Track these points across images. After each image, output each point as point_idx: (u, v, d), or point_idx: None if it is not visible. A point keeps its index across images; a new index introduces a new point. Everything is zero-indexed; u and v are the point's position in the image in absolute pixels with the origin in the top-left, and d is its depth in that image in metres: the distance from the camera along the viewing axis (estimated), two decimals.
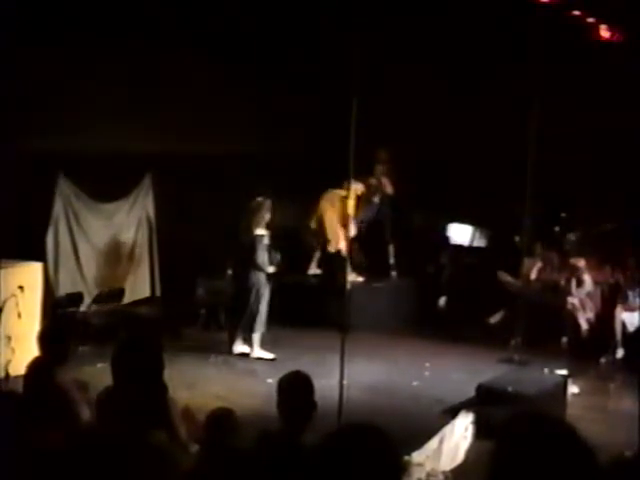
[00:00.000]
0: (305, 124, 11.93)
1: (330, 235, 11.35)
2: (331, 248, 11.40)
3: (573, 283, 10.42)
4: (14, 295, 7.89)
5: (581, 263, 10.43)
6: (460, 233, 12.43)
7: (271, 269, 9.73)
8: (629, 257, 10.41)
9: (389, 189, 11.85)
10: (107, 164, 9.72)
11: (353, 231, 10.55)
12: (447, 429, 6.98)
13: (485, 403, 7.45)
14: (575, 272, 10.44)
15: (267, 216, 9.70)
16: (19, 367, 6.35)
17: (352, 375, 7.93)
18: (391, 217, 12.07)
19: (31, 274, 8.45)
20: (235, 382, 8.71)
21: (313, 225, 11.59)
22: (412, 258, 12.10)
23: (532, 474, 2.04)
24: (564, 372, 8.68)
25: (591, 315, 10.36)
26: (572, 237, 11.32)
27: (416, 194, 12.08)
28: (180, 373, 8.18)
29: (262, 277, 9.64)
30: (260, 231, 9.64)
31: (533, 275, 10.86)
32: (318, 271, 11.69)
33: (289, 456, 3.81)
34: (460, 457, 6.92)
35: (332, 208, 11.33)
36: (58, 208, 9.97)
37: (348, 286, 8.55)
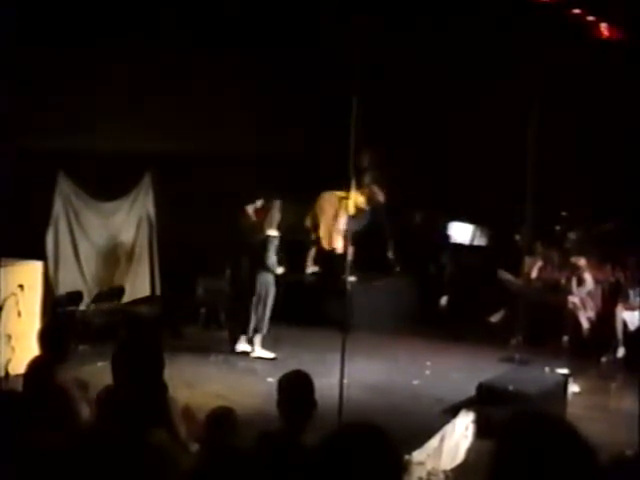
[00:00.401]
0: (305, 124, 11.92)
1: (324, 233, 11.33)
2: (325, 245, 11.39)
3: (574, 282, 10.41)
4: (14, 294, 7.88)
5: (582, 262, 10.42)
6: (461, 232, 12.43)
7: (279, 270, 9.76)
8: (630, 256, 10.40)
9: (380, 197, 11.63)
10: (107, 163, 9.73)
11: (343, 224, 10.51)
12: (448, 428, 6.97)
13: (486, 402, 7.44)
14: (576, 271, 10.43)
15: (278, 216, 9.73)
16: (19, 366, 6.34)
17: (352, 374, 7.93)
18: (387, 222, 11.94)
19: (31, 273, 8.44)
20: (235, 381, 8.71)
21: (307, 223, 11.58)
22: (413, 257, 12.09)
23: (533, 473, 2.03)
24: (565, 371, 8.68)
25: (592, 314, 10.35)
26: (573, 236, 11.31)
27: (416, 194, 12.07)
28: (180, 372, 8.17)
29: (270, 278, 9.65)
30: (272, 232, 9.66)
31: (534, 274, 10.86)
32: (316, 269, 11.69)
33: (289, 456, 3.80)
34: (461, 456, 6.92)
35: (329, 208, 11.30)
36: (58, 207, 9.97)
37: (347, 285, 8.54)
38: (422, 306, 11.61)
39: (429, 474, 6.42)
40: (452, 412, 7.46)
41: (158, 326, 9.87)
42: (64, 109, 9.17)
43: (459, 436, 7.04)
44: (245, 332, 9.69)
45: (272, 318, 9.87)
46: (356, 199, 10.67)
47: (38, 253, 9.28)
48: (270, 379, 7.76)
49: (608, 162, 10.77)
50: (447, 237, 12.44)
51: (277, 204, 9.75)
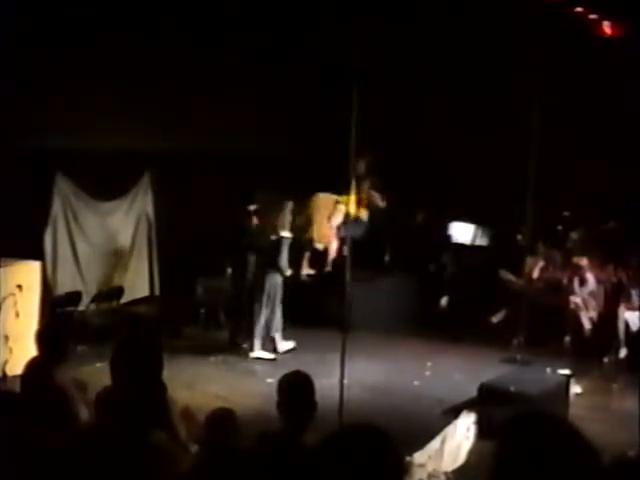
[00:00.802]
0: (305, 124, 11.90)
1: (317, 235, 11.28)
2: (319, 247, 11.35)
3: (576, 282, 10.39)
4: (12, 294, 7.87)
5: (584, 262, 10.40)
6: (462, 232, 12.41)
7: (289, 271, 9.77)
8: (632, 256, 10.37)
9: (380, 203, 11.56)
10: (106, 163, 9.71)
11: (337, 226, 10.48)
12: (449, 429, 6.95)
13: (487, 403, 7.42)
14: (578, 271, 10.41)
15: (289, 218, 9.75)
16: (17, 367, 6.32)
17: (353, 375, 7.91)
18: (387, 227, 11.89)
19: (29, 273, 8.42)
20: (235, 382, 8.69)
21: (300, 224, 11.52)
22: (413, 257, 12.07)
23: (535, 474, 2.01)
24: (567, 372, 8.65)
25: (594, 314, 10.32)
26: (575, 236, 11.29)
27: (417, 194, 12.05)
28: (180, 373, 8.15)
29: (279, 279, 9.64)
30: (285, 233, 9.66)
31: (535, 274, 10.83)
32: (311, 271, 11.65)
33: (289, 456, 3.77)
34: (462, 457, 6.89)
35: (324, 210, 11.26)
36: (57, 207, 9.96)
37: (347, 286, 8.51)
38: (423, 306, 11.58)
39: (430, 476, 6.39)
40: (453, 413, 7.44)
41: (157, 326, 9.84)
42: (63, 109, 9.16)
43: (460, 437, 7.01)
44: (258, 334, 9.64)
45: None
46: (355, 204, 10.61)
47: (36, 253, 9.25)
48: (270, 380, 7.73)
49: (610, 161, 10.75)
50: (448, 237, 12.42)
51: (289, 205, 9.79)
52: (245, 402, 7.41)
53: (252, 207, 10.17)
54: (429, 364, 9.51)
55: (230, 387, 8.39)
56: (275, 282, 9.64)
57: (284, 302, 9.92)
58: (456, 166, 11.93)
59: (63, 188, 9.98)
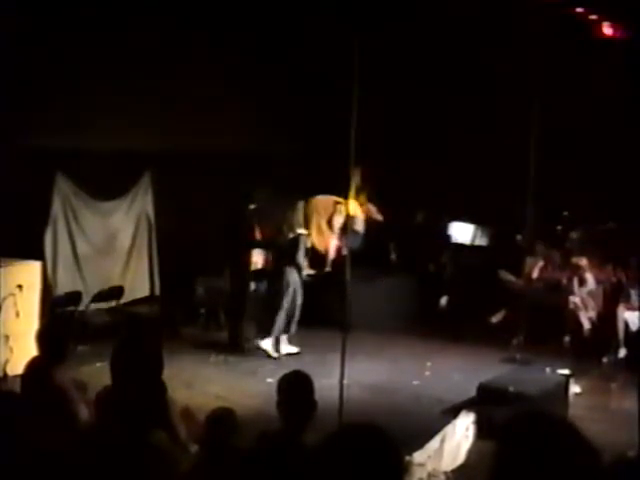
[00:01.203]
0: (305, 124, 11.90)
1: (316, 236, 11.25)
2: (319, 248, 11.34)
3: (575, 282, 10.38)
4: (12, 294, 7.87)
5: (583, 262, 10.39)
6: (462, 232, 12.41)
7: (307, 269, 9.82)
8: (631, 256, 10.37)
9: (378, 216, 11.51)
10: (106, 162, 9.71)
11: (338, 228, 10.50)
12: (448, 429, 6.94)
13: (486, 403, 7.42)
14: (577, 271, 10.40)
15: (302, 216, 9.82)
16: (17, 366, 6.33)
17: (353, 374, 7.91)
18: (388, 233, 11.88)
19: (29, 273, 8.42)
20: (235, 382, 8.69)
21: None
22: (413, 257, 12.07)
23: (535, 474, 2.02)
24: (566, 372, 8.65)
25: (593, 314, 10.32)
26: (574, 236, 11.29)
27: (417, 194, 12.04)
28: (180, 373, 8.17)
29: (297, 276, 9.65)
30: (301, 230, 9.70)
31: (535, 274, 10.82)
32: (311, 271, 11.63)
33: (289, 456, 3.78)
34: (461, 457, 6.89)
35: (324, 212, 11.23)
36: (57, 207, 9.95)
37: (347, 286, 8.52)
38: (422, 306, 11.58)
39: (430, 475, 6.39)
40: (453, 413, 7.43)
41: (157, 326, 9.84)
42: (63, 109, 9.15)
43: (460, 437, 7.01)
44: (269, 332, 9.63)
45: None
46: (354, 211, 10.57)
47: (36, 253, 9.25)
48: (270, 380, 7.73)
49: (609, 161, 10.75)
50: (448, 237, 12.42)
51: (301, 204, 9.85)
52: (245, 402, 7.41)
53: (252, 206, 10.18)
54: (429, 364, 9.51)
55: (230, 387, 8.38)
56: (295, 279, 9.66)
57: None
58: (456, 166, 11.93)
59: (63, 188, 9.97)
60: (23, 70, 8.64)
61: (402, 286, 11.80)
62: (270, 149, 11.45)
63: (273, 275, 9.88)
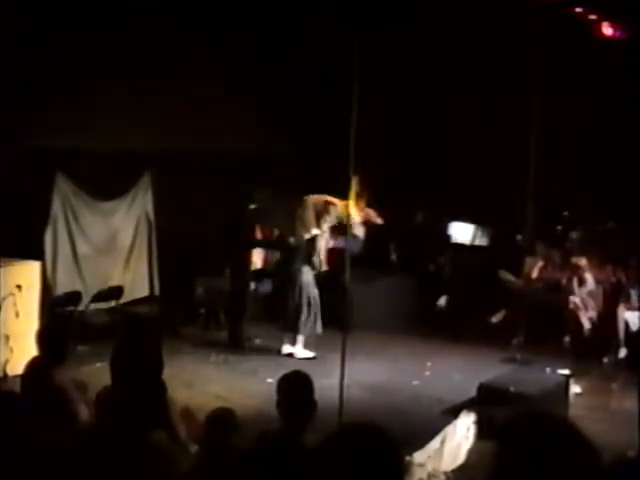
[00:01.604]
0: (305, 124, 11.90)
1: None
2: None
3: (575, 282, 10.38)
4: (12, 294, 7.87)
5: (583, 262, 10.39)
6: (461, 232, 12.40)
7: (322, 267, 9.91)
8: (631, 256, 10.37)
9: (377, 220, 11.50)
10: (106, 162, 9.70)
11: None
12: (449, 429, 6.94)
13: (487, 403, 7.41)
14: (577, 271, 10.40)
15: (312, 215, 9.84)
16: (17, 367, 6.32)
17: (353, 374, 7.90)
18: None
19: (29, 273, 8.41)
20: (235, 382, 8.68)
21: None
22: (413, 257, 12.07)
23: (535, 474, 2.01)
24: (566, 372, 8.64)
25: (593, 314, 10.32)
26: (574, 236, 11.29)
27: (417, 194, 12.04)
28: (180, 373, 8.17)
29: (312, 276, 9.63)
30: (315, 230, 9.69)
31: (535, 274, 10.82)
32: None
33: (289, 456, 3.78)
34: (462, 457, 6.88)
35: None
36: (57, 207, 9.94)
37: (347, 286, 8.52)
38: (422, 306, 11.58)
39: (430, 475, 6.39)
40: (453, 413, 7.42)
41: (157, 326, 9.83)
42: (63, 109, 9.15)
43: (460, 437, 7.01)
44: (296, 332, 9.62)
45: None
46: (354, 215, 10.51)
47: (36, 253, 9.25)
48: (270, 380, 7.73)
49: (610, 161, 10.74)
50: (448, 237, 12.41)
51: (311, 202, 9.86)
52: (245, 402, 7.41)
53: (252, 206, 10.18)
54: (429, 364, 9.51)
55: (230, 387, 8.38)
56: (310, 279, 9.67)
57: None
58: (456, 166, 11.92)
59: (63, 188, 9.97)
60: (23, 70, 8.63)
61: (402, 286, 11.80)
62: (270, 149, 11.45)
63: (287, 276, 9.78)
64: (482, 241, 12.37)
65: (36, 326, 7.25)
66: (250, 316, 10.25)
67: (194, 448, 4.43)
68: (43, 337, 5.07)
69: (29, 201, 9.25)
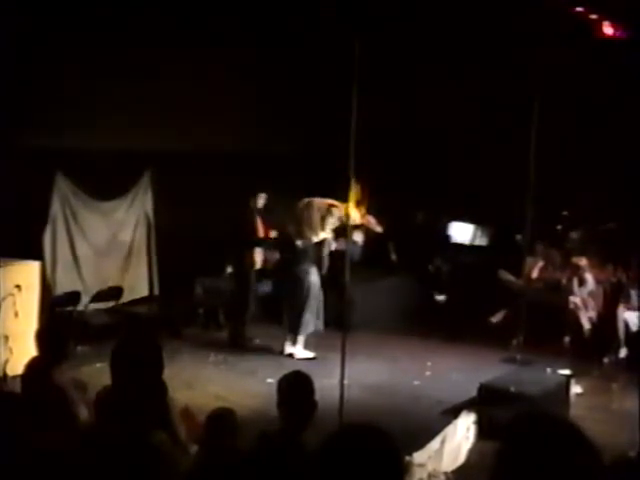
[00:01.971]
0: (305, 124, 11.89)
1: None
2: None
3: (575, 282, 10.38)
4: (11, 294, 7.86)
5: (583, 262, 10.39)
6: (461, 232, 12.40)
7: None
8: (631, 256, 10.37)
9: (378, 228, 11.49)
10: (106, 162, 9.70)
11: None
12: (449, 429, 6.94)
13: (487, 403, 7.41)
14: (577, 271, 10.40)
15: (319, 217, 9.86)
16: (17, 367, 6.32)
17: (353, 374, 7.90)
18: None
19: (29, 273, 8.40)
20: (235, 382, 8.68)
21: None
22: (413, 257, 12.07)
23: (536, 474, 2.01)
24: (567, 372, 8.64)
25: (593, 314, 10.32)
26: (574, 236, 11.29)
27: (416, 194, 12.04)
28: (179, 373, 8.16)
29: (318, 277, 9.68)
30: (324, 234, 9.78)
31: (535, 274, 10.83)
32: None
33: (289, 457, 3.77)
34: (462, 457, 6.88)
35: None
36: (56, 206, 9.94)
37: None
38: (422, 306, 11.58)
39: (430, 475, 6.38)
40: (453, 413, 7.42)
41: (157, 326, 9.83)
42: (63, 109, 9.15)
43: (460, 437, 7.01)
44: (297, 333, 9.61)
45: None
46: (354, 217, 10.51)
47: (36, 253, 9.24)
48: (270, 380, 7.73)
49: (610, 161, 10.74)
50: (448, 237, 12.41)
51: (316, 204, 9.88)
52: (245, 402, 7.41)
53: (255, 206, 10.17)
54: (429, 364, 9.51)
55: (230, 387, 8.38)
56: (316, 280, 9.66)
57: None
58: (456, 166, 11.92)
59: (63, 188, 9.97)
60: (23, 70, 8.63)
61: (402, 286, 11.80)
62: (270, 149, 11.44)
63: (292, 277, 9.76)
64: (482, 241, 12.37)
65: (35, 326, 7.25)
66: (250, 316, 10.24)
67: (194, 448, 4.43)
68: (43, 337, 5.06)
69: (29, 201, 9.25)
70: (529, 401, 7.19)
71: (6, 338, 7.79)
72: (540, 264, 10.94)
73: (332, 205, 10.63)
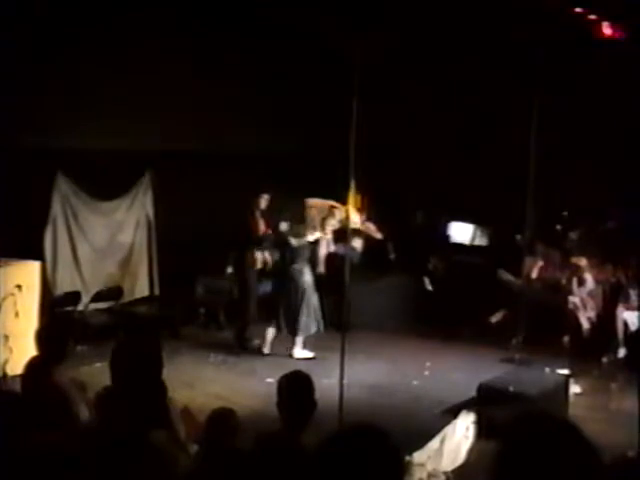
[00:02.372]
0: (305, 124, 11.89)
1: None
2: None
3: (574, 282, 10.39)
4: (12, 294, 7.86)
5: (582, 262, 10.39)
6: (461, 232, 12.40)
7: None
8: (631, 256, 10.37)
9: (377, 235, 11.50)
10: (106, 162, 9.70)
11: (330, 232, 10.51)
12: (448, 429, 6.95)
13: (486, 403, 7.41)
14: (576, 271, 10.40)
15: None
16: (17, 366, 6.31)
17: (352, 374, 7.90)
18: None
19: (29, 273, 8.40)
20: (235, 382, 8.68)
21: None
22: (413, 257, 12.07)
23: (536, 474, 2.01)
24: (566, 372, 8.65)
25: (592, 314, 10.33)
26: (574, 236, 11.29)
27: (417, 194, 12.04)
28: (179, 373, 8.16)
29: (311, 277, 9.69)
30: (317, 233, 9.81)
31: (534, 274, 10.83)
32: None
33: (289, 456, 3.78)
34: (461, 457, 6.89)
35: (318, 213, 11.20)
36: (56, 207, 9.95)
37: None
38: (422, 306, 11.57)
39: (430, 475, 6.40)
40: (453, 413, 7.43)
41: (157, 326, 9.84)
42: (63, 109, 9.15)
43: (460, 437, 7.02)
44: (295, 334, 9.61)
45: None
46: (354, 219, 10.53)
47: (36, 253, 9.24)
48: (270, 380, 7.73)
49: (609, 161, 10.75)
50: (447, 237, 12.41)
51: (312, 204, 9.88)
52: (245, 402, 7.41)
53: (262, 206, 10.18)
54: (428, 364, 9.51)
55: (230, 387, 8.38)
56: (310, 280, 9.66)
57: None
58: (456, 166, 11.92)
59: (63, 188, 9.97)
60: (23, 70, 8.63)
61: (402, 286, 11.80)
62: (271, 149, 11.45)
63: (287, 276, 9.78)
64: (482, 241, 12.36)
65: (36, 326, 7.25)
66: (251, 316, 10.24)
67: (194, 448, 4.43)
68: (43, 337, 5.06)
69: (29, 201, 9.25)
70: (528, 401, 7.20)
71: (6, 338, 7.79)
72: (540, 264, 10.94)
73: (333, 206, 10.65)
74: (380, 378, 8.94)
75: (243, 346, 9.89)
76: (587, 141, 10.85)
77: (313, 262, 9.85)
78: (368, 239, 11.48)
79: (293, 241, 9.69)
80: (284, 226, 10.09)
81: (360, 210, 11.24)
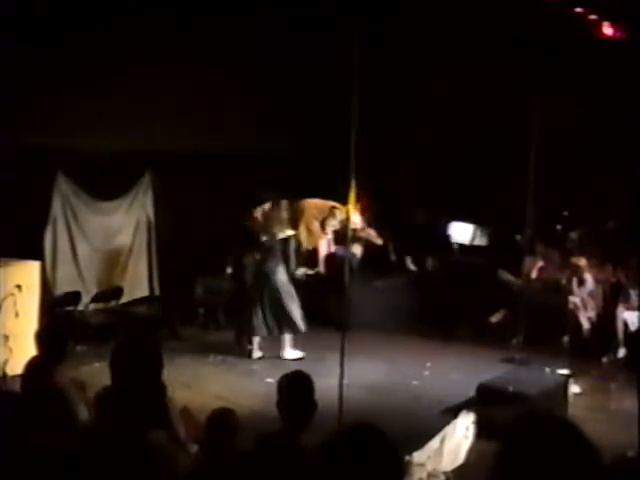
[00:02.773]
0: (305, 124, 11.90)
1: (305, 236, 11.19)
2: (308, 246, 11.30)
3: (574, 282, 10.39)
4: (12, 294, 7.87)
5: (582, 262, 10.39)
6: (461, 232, 12.40)
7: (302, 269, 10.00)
8: (631, 256, 10.37)
9: (378, 241, 11.50)
10: (106, 162, 9.71)
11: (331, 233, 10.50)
12: (448, 429, 6.94)
13: (486, 403, 7.41)
14: (576, 271, 10.40)
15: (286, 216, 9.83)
16: (17, 366, 6.31)
17: (352, 374, 7.90)
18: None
19: (29, 273, 8.41)
20: (235, 382, 8.68)
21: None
22: (413, 257, 12.07)
23: (536, 474, 2.01)
24: (565, 372, 8.64)
25: (592, 314, 10.33)
26: (574, 236, 11.29)
27: (417, 193, 12.04)
28: (179, 373, 8.15)
29: (286, 276, 9.63)
30: (290, 231, 9.76)
31: (534, 274, 10.83)
32: (310, 271, 11.61)
33: (289, 456, 3.78)
34: (461, 457, 6.89)
35: (318, 214, 11.18)
36: (57, 207, 9.95)
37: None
38: (422, 306, 11.57)
39: (429, 475, 6.39)
40: (452, 413, 7.42)
41: (157, 327, 9.84)
42: (63, 109, 9.15)
43: (460, 437, 7.01)
44: (250, 333, 9.57)
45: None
46: (354, 219, 10.49)
47: (36, 253, 9.25)
48: (269, 380, 7.73)
49: (609, 161, 10.75)
50: (447, 237, 12.41)
51: (284, 204, 9.79)
52: (245, 402, 7.41)
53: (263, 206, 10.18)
54: (428, 364, 9.51)
55: (229, 387, 8.38)
56: (284, 279, 9.56)
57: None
58: (456, 166, 11.93)
59: (63, 188, 9.98)
60: (23, 70, 8.63)
61: (402, 286, 11.80)
62: (270, 150, 11.45)
63: (262, 274, 9.64)
64: (482, 241, 12.36)
65: (36, 326, 7.25)
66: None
67: (194, 448, 4.43)
68: (43, 337, 5.06)
69: (29, 201, 9.25)
70: (528, 401, 7.20)
71: (6, 338, 7.80)
72: (540, 264, 10.94)
73: (334, 207, 10.64)
74: (380, 378, 8.94)
75: (242, 346, 9.88)
76: (587, 141, 10.85)
77: (284, 259, 9.70)
78: (368, 245, 11.46)
79: (264, 238, 9.58)
80: (254, 224, 10.01)
81: (360, 210, 11.23)
